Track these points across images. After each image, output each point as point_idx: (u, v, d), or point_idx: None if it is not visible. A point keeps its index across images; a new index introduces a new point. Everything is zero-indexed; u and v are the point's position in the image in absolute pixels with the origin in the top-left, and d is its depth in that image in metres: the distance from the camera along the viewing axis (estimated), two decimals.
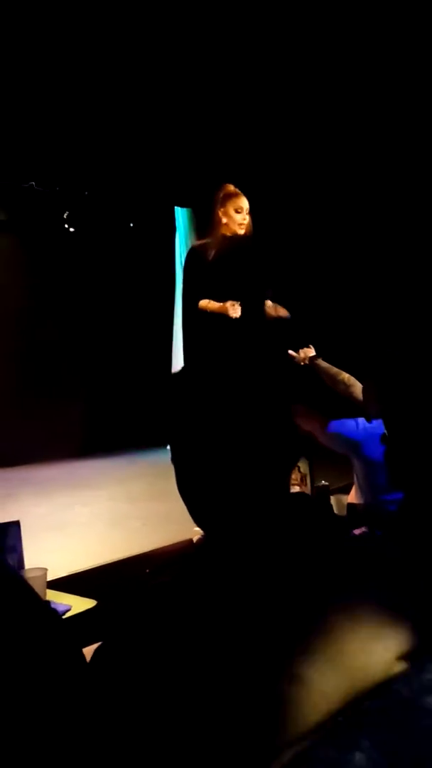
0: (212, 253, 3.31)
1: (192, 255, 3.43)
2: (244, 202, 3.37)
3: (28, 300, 5.89)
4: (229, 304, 3.17)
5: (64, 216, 5.79)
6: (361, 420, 2.07)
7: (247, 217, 3.37)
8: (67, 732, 0.70)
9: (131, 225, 6.28)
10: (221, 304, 3.21)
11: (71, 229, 5.83)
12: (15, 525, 1.50)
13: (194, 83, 4.69)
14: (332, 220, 5.87)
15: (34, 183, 5.13)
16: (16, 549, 1.49)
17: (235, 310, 3.14)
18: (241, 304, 3.20)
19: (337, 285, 5.99)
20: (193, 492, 0.81)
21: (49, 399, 5.95)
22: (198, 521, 0.84)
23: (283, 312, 3.25)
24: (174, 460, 0.83)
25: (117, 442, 6.17)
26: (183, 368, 0.87)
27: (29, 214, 5.60)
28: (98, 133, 4.87)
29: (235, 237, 3.35)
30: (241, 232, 3.35)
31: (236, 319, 3.17)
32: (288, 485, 0.85)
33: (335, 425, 2.06)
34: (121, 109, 4.77)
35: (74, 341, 6.16)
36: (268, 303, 3.28)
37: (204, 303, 3.27)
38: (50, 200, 5.48)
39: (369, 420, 2.05)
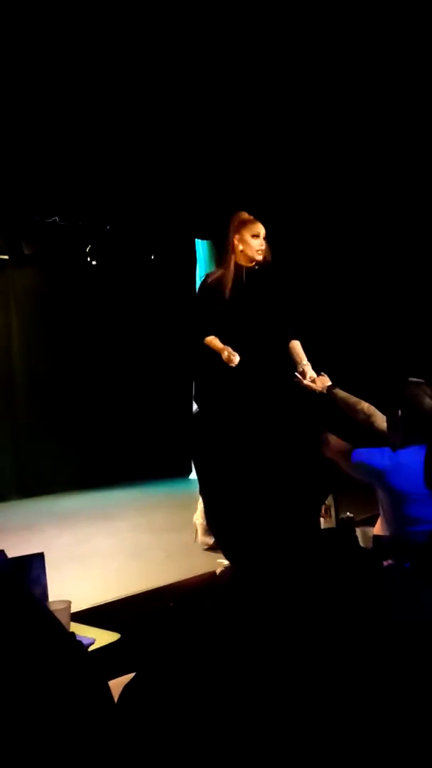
0: (229, 285, 3.23)
1: (205, 290, 3.34)
2: (260, 229, 3.31)
3: (50, 331, 5.98)
4: (228, 351, 3.05)
5: (87, 250, 5.90)
6: (387, 449, 2.05)
7: (265, 243, 3.30)
8: (95, 763, 0.69)
9: (152, 257, 6.37)
10: (223, 346, 3.11)
11: (93, 263, 5.93)
12: (39, 557, 1.50)
13: (214, 118, 4.79)
14: (350, 244, 5.89)
15: (57, 218, 5.25)
16: (41, 581, 1.49)
17: (231, 360, 3.00)
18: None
19: (352, 312, 5.99)
20: (223, 525, 0.81)
21: (70, 429, 5.98)
22: (228, 555, 0.83)
23: (325, 382, 2.91)
24: (203, 493, 0.83)
25: (138, 472, 6.17)
26: (207, 404, 0.87)
27: (53, 248, 5.71)
28: (120, 168, 4.99)
29: (252, 268, 3.29)
30: (260, 258, 3.27)
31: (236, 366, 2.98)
32: (319, 519, 0.84)
33: (360, 454, 2.04)
34: (141, 144, 4.89)
35: (95, 372, 6.21)
36: (310, 375, 2.99)
37: (209, 339, 3.19)
38: (73, 234, 5.60)
39: (394, 449, 2.02)
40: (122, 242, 5.95)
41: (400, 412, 1.99)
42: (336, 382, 2.80)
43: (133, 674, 0.81)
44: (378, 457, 2.03)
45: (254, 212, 3.41)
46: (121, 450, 6.23)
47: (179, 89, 4.45)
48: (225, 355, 3.03)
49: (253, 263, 3.32)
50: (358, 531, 2.21)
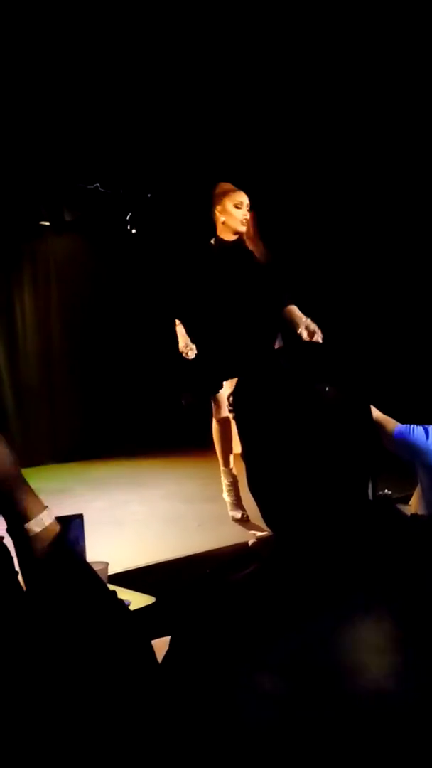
0: (212, 261, 3.10)
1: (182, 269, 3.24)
2: (243, 197, 3.12)
3: (89, 298, 6.01)
4: (185, 342, 3.05)
5: (127, 217, 5.88)
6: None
7: (248, 214, 3.11)
8: (138, 720, 0.70)
9: (193, 228, 6.32)
10: (183, 335, 3.09)
11: (133, 231, 5.91)
12: (78, 518, 1.51)
13: (257, 90, 4.68)
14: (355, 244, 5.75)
15: (99, 185, 5.23)
16: (79, 542, 1.51)
17: (187, 354, 3.02)
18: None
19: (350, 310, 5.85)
20: (267, 493, 0.80)
21: (105, 397, 6.04)
22: (270, 523, 0.82)
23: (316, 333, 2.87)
24: (246, 458, 0.81)
25: (172, 441, 6.21)
26: (254, 368, 0.85)
27: (93, 215, 5.71)
28: (162, 136, 4.93)
29: (237, 242, 3.12)
30: (243, 228, 3.08)
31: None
32: (367, 489, 0.82)
33: (403, 430, 2.00)
34: (183, 114, 4.82)
35: (132, 340, 6.24)
36: (311, 330, 2.88)
37: (177, 322, 3.16)
38: (114, 202, 5.57)
39: None
40: (162, 210, 5.91)
41: None
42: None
43: (168, 637, 0.81)
44: (422, 435, 1.99)
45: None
46: (155, 419, 6.27)
47: (225, 59, 4.35)
48: (182, 345, 3.01)
49: (237, 236, 3.12)
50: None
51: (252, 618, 0.73)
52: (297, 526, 0.76)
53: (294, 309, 3.01)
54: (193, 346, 3.03)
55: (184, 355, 3.03)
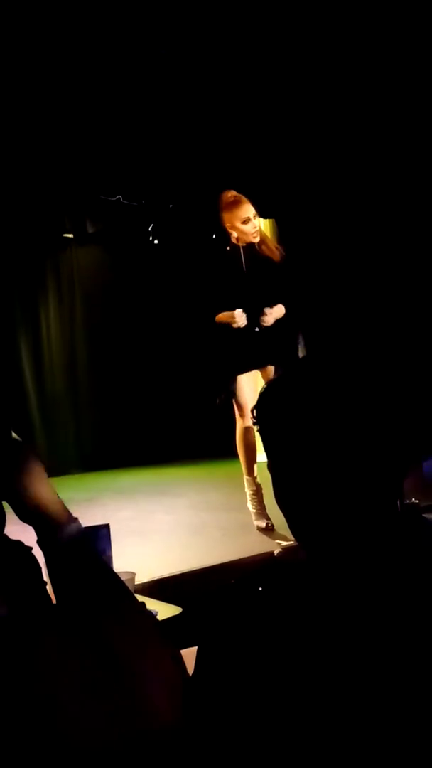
0: (243, 264, 3.26)
1: (216, 267, 3.39)
2: (248, 211, 3.18)
3: (112, 309, 6.06)
4: (233, 315, 3.15)
5: (149, 228, 5.93)
6: None
7: (257, 223, 3.22)
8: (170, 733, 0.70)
9: (213, 236, 6.34)
10: (227, 314, 3.19)
11: (155, 241, 5.96)
12: (105, 528, 1.53)
13: (276, 98, 4.70)
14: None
15: (121, 197, 5.28)
16: (106, 552, 1.52)
17: (239, 322, 3.13)
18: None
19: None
20: (294, 504, 0.79)
21: (130, 406, 6.08)
22: (297, 534, 0.82)
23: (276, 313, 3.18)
24: (272, 470, 0.81)
25: (195, 451, 6.21)
26: (283, 374, 0.85)
27: (116, 227, 5.77)
28: (183, 147, 4.97)
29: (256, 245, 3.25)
30: (256, 239, 3.20)
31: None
32: (398, 499, 0.81)
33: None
34: (203, 123, 4.85)
35: (155, 350, 6.27)
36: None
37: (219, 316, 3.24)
38: (136, 213, 5.63)
39: None
40: (184, 221, 5.94)
41: None
42: None
43: (195, 648, 0.81)
44: None
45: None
46: (179, 428, 6.28)
47: (244, 68, 4.38)
48: (235, 316, 3.10)
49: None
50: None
51: (280, 629, 0.73)
52: (325, 538, 0.76)
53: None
54: (243, 314, 3.17)
55: (238, 323, 3.15)
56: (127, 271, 6.10)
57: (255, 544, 3.04)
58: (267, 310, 3.20)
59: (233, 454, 6.05)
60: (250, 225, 3.17)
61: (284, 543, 2.88)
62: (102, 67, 4.11)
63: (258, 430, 0.82)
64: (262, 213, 6.11)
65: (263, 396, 0.82)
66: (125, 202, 5.31)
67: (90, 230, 5.69)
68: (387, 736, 0.63)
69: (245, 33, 3.97)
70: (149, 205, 5.51)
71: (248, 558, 2.78)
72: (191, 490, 4.76)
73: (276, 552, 2.81)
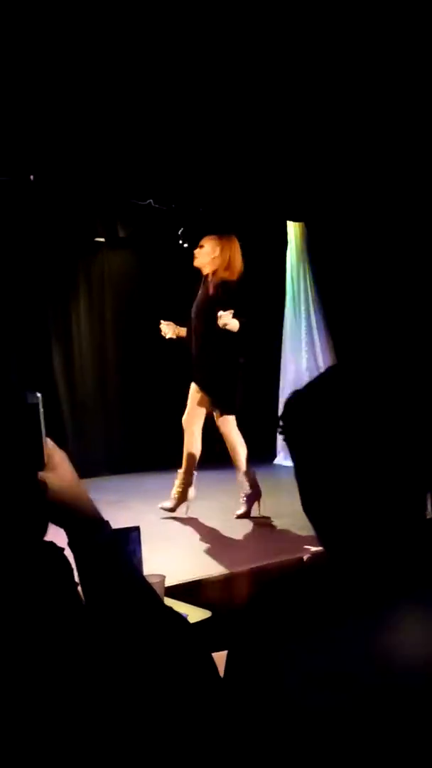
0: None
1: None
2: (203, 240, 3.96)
3: (142, 312, 6.09)
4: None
5: (179, 232, 5.95)
6: None
7: (208, 250, 4.02)
8: (201, 733, 0.69)
9: (243, 240, 6.34)
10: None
11: (185, 245, 5.97)
12: (135, 530, 1.53)
13: (304, 99, 4.68)
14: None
15: (152, 201, 5.32)
16: (136, 554, 1.53)
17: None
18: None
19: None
20: (321, 512, 0.78)
21: (158, 410, 6.09)
22: (325, 542, 0.81)
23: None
24: (299, 478, 0.80)
25: (222, 456, 6.20)
26: (314, 380, 0.84)
27: (147, 231, 5.80)
28: (212, 151, 4.98)
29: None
30: (196, 265, 4.06)
31: None
32: (426, 507, 0.80)
33: None
34: (233, 126, 4.85)
35: (184, 354, 6.28)
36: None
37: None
38: (167, 217, 5.66)
39: None
40: (213, 224, 5.95)
41: None
42: None
43: (224, 652, 0.81)
44: None
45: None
46: (206, 433, 6.28)
47: (275, 73, 4.37)
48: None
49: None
50: None
51: (309, 635, 0.72)
52: (352, 545, 0.75)
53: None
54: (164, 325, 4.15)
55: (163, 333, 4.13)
56: (158, 274, 6.13)
57: (283, 550, 3.02)
58: (221, 313, 3.83)
59: (262, 459, 6.05)
60: (199, 251, 3.97)
61: (313, 549, 2.86)
62: (134, 74, 4.15)
63: (284, 439, 0.81)
64: (292, 216, 6.11)
65: (289, 405, 0.81)
66: (156, 206, 5.34)
67: (121, 234, 5.73)
68: (418, 750, 0.62)
69: (283, 37, 3.96)
70: (179, 208, 5.53)
71: (277, 563, 2.77)
72: (219, 493, 4.76)
73: (305, 557, 2.79)
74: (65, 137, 4.42)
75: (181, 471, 4.15)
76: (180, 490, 4.09)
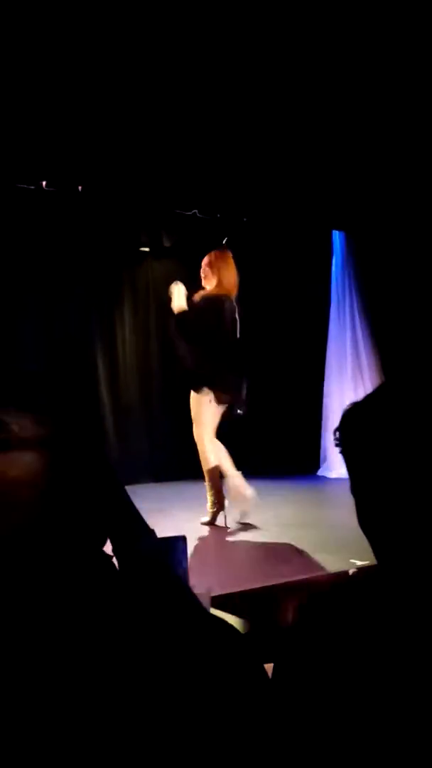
0: None
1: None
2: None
3: None
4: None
5: (223, 241, 5.96)
6: None
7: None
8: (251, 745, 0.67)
9: (288, 249, 6.32)
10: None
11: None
12: (181, 540, 1.51)
13: (348, 106, 4.64)
14: None
15: (197, 211, 5.35)
16: (182, 564, 1.51)
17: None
18: None
19: None
20: (380, 529, 0.76)
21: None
22: (382, 559, 0.78)
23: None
24: (356, 493, 0.78)
25: (264, 466, 6.16)
26: (373, 392, 0.81)
27: (191, 240, 5.84)
28: (257, 161, 4.98)
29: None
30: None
31: None
32: None
33: None
34: (278, 136, 4.85)
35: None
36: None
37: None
38: (211, 227, 5.68)
39: None
40: (258, 234, 5.95)
41: None
42: None
43: (270, 664, 0.78)
44: None
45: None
46: (248, 443, 6.25)
47: (318, 79, 4.35)
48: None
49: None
50: None
51: (357, 651, 0.70)
52: (411, 563, 0.72)
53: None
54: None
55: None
56: (201, 284, 6.15)
57: (328, 563, 2.97)
58: (178, 283, 4.22)
59: (303, 470, 5.99)
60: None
61: (359, 562, 2.80)
62: (178, 87, 4.19)
63: (340, 452, 0.78)
64: (336, 225, 6.05)
65: (347, 417, 0.78)
66: (200, 215, 5.37)
67: (166, 244, 5.78)
68: None
69: (332, 48, 3.95)
70: (224, 218, 5.55)
71: (322, 576, 2.71)
72: (260, 505, 4.72)
73: (351, 571, 2.73)
74: (112, 149, 4.49)
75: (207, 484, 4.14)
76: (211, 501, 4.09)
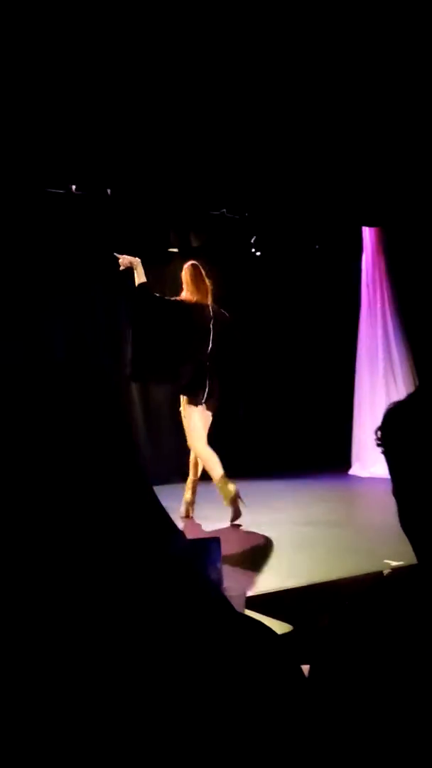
0: None
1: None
2: None
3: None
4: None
5: (252, 241, 5.95)
6: None
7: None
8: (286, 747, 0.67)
9: (317, 247, 6.27)
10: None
11: (258, 253, 5.97)
12: (215, 541, 1.51)
13: (376, 103, 4.58)
14: None
15: (225, 210, 5.35)
16: (216, 564, 1.51)
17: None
18: None
19: None
20: (423, 531, 0.74)
21: (230, 418, 6.08)
22: (425, 562, 0.77)
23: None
24: (398, 495, 0.77)
25: (295, 465, 6.13)
26: (417, 391, 0.80)
27: (219, 240, 5.84)
28: (286, 157, 4.96)
29: None
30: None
31: None
32: None
33: None
34: (306, 133, 4.81)
35: (257, 362, 6.26)
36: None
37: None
38: (239, 226, 5.68)
39: None
40: (287, 232, 5.92)
41: None
42: None
43: (306, 666, 0.77)
44: None
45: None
46: (279, 441, 6.23)
47: (346, 76, 4.31)
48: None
49: None
50: None
51: (394, 652, 0.69)
52: None
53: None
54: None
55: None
56: (230, 283, 6.15)
57: (361, 563, 2.93)
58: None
59: (331, 468, 5.94)
60: None
61: (393, 563, 2.76)
62: (205, 88, 4.20)
63: (382, 451, 0.77)
64: (367, 222, 5.99)
65: (389, 417, 0.77)
66: (229, 215, 5.37)
67: (194, 244, 5.79)
68: None
69: (354, 47, 3.91)
70: (252, 217, 5.54)
71: (356, 577, 2.68)
72: (291, 504, 4.70)
73: (385, 572, 2.70)
74: (140, 151, 4.51)
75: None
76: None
